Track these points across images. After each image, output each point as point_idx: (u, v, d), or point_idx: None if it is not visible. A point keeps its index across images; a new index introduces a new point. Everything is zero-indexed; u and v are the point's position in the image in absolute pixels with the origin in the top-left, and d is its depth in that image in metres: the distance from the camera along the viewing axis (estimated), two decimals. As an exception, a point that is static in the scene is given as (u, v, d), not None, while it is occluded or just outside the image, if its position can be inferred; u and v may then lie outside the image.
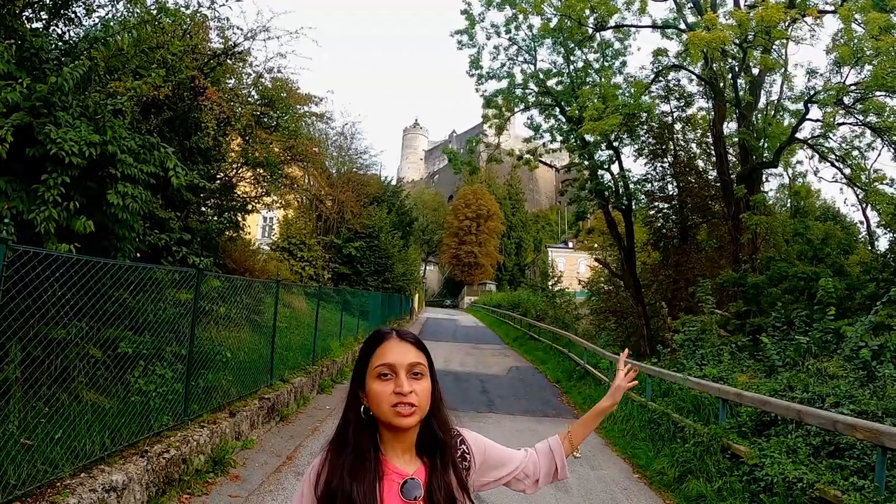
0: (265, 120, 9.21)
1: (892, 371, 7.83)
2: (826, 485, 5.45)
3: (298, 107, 9.96)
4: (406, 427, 1.47)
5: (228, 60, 8.24)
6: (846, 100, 15.95)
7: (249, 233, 12.83)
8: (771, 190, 23.42)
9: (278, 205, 12.27)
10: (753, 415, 7.22)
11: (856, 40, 15.31)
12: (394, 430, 1.49)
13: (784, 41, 16.67)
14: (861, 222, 22.37)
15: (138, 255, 6.37)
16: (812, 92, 17.22)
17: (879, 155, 18.60)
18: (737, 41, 16.27)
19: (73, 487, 3.77)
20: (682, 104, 21.65)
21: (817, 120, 17.26)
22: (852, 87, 15.77)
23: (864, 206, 20.58)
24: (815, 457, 6.08)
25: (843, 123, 16.84)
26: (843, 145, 17.87)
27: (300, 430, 7.90)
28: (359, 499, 1.40)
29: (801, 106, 17.72)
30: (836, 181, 19.63)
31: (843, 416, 5.75)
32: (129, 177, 5.24)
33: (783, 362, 9.03)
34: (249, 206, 9.83)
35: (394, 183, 33.41)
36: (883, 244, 18.60)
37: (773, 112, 18.89)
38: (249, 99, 9.29)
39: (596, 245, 32.62)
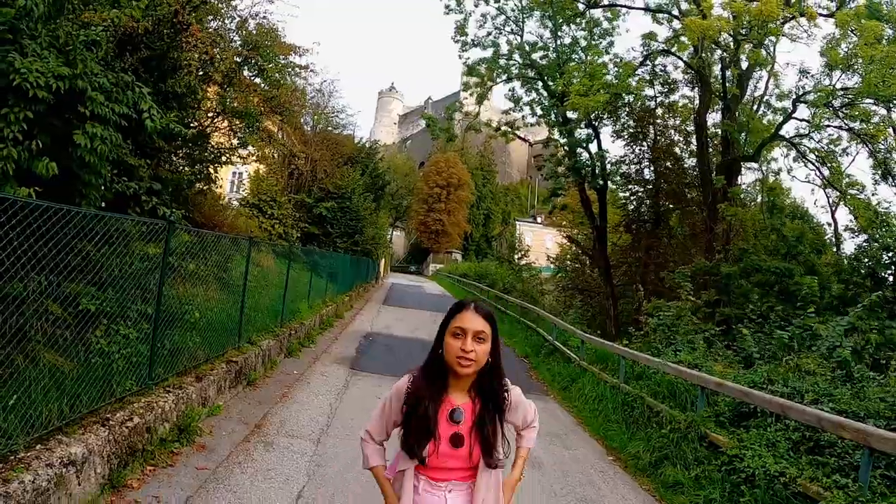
0: (247, 65, 8.60)
1: (867, 372, 7.92)
2: (808, 481, 5.42)
3: (282, 57, 9.35)
4: (463, 374, 2.14)
5: (213, -1, 7.62)
6: (835, 103, 16.04)
7: (220, 186, 12.23)
8: (744, 184, 23.64)
9: (254, 158, 11.63)
10: (731, 405, 7.19)
11: (845, 46, 15.40)
12: (455, 374, 2.15)
13: (774, 39, 16.65)
14: (829, 224, 22.89)
15: (104, 203, 5.88)
16: (801, 91, 17.29)
17: (853, 161, 19.02)
18: (731, 32, 16.15)
19: (27, 462, 3.38)
20: (665, 90, 21.56)
21: (803, 119, 17.43)
22: (840, 92, 15.87)
23: (833, 208, 21.14)
24: (795, 452, 6.06)
25: (828, 126, 17.00)
26: (825, 147, 18.07)
27: (268, 396, 7.56)
28: (429, 413, 2.13)
29: (787, 104, 17.88)
30: (808, 182, 19.99)
31: (829, 414, 5.71)
32: (98, 116, 4.74)
33: (761, 355, 9.06)
34: (224, 158, 9.26)
35: (368, 145, 32.59)
36: (848, 247, 19.06)
37: (757, 107, 18.94)
38: (232, 45, 8.65)
39: (565, 223, 32.69)
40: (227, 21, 8.61)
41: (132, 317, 5.36)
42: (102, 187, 5.48)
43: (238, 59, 8.40)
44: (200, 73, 6.53)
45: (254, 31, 8.59)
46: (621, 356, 9.73)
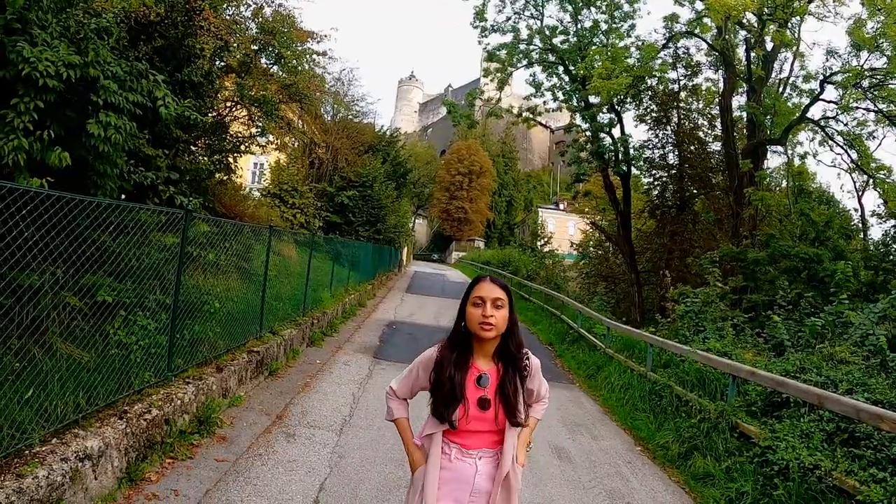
0: (264, 52, 8.47)
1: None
2: (843, 474, 5.22)
3: (299, 44, 9.18)
4: (487, 338, 2.30)
5: (227, -16, 7.48)
6: (864, 83, 15.55)
7: (241, 176, 12.18)
8: (768, 168, 23.15)
9: (274, 146, 11.52)
10: (763, 394, 6.96)
11: (872, 25, 14.92)
12: (479, 341, 2.33)
13: (799, 19, 16.17)
14: (855, 209, 22.34)
15: (122, 195, 5.83)
16: (829, 72, 16.78)
17: (880, 144, 18.48)
18: (755, 12, 15.70)
19: (42, 456, 3.32)
20: (688, 73, 21.09)
21: (830, 101, 16.97)
22: (868, 72, 15.39)
23: (860, 193, 20.71)
24: (829, 443, 5.85)
25: (857, 108, 16.51)
26: (852, 130, 17.58)
27: (290, 386, 7.52)
28: (457, 381, 2.28)
29: (814, 85, 17.44)
30: (834, 166, 19.70)
31: (867, 405, 5.47)
32: (112, 105, 4.66)
33: (792, 343, 8.77)
34: (243, 147, 9.18)
35: (389, 133, 32.45)
36: (875, 233, 18.57)
37: (782, 89, 18.49)
38: (248, 32, 8.52)
39: (587, 209, 32.31)
40: (242, 8, 8.49)
41: (151, 307, 5.31)
42: (119, 177, 5.42)
43: (255, 47, 8.29)
44: (215, 60, 6.39)
45: (270, 18, 8.46)
46: (649, 344, 9.52)
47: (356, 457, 5.43)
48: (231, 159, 9.61)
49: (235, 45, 6.77)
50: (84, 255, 4.14)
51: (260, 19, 8.34)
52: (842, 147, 17.66)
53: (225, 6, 7.43)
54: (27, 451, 3.36)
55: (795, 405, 6.48)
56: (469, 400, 2.30)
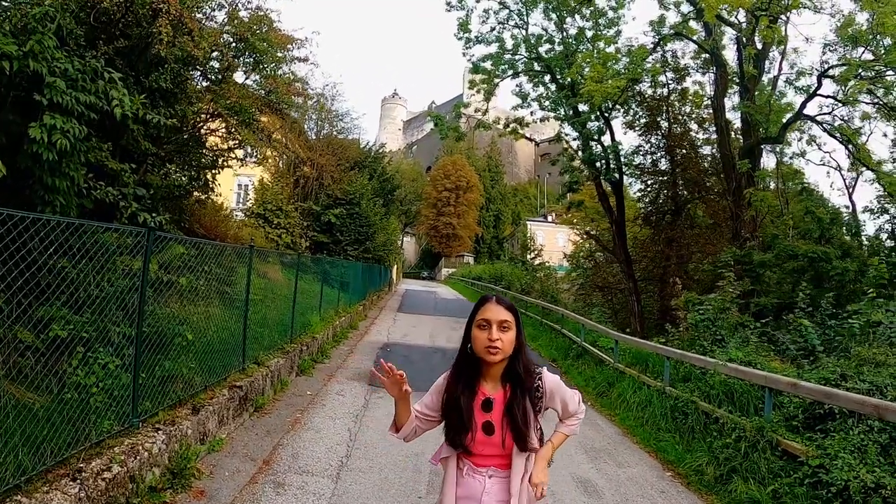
0: (241, 56, 7.82)
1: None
2: (910, 492, 4.59)
3: (279, 50, 8.51)
4: (493, 362, 2.26)
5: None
6: (862, 73, 15.29)
7: (220, 195, 11.45)
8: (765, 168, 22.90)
9: (254, 161, 10.81)
10: (801, 406, 6.32)
11: (865, 16, 14.75)
12: (486, 364, 2.28)
13: (785, 17, 15.97)
14: (846, 206, 22.24)
15: (77, 212, 5.11)
16: (825, 66, 16.50)
17: (867, 140, 18.29)
18: (749, 8, 15.42)
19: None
20: (677, 77, 20.78)
21: (828, 96, 16.71)
22: (867, 64, 15.15)
23: (850, 190, 20.56)
24: (885, 457, 5.24)
25: (854, 101, 16.27)
26: (846, 125, 17.42)
27: (278, 424, 6.74)
28: (464, 406, 2.26)
29: (810, 81, 17.19)
30: (823, 164, 19.75)
31: (938, 415, 4.85)
32: (59, 106, 3.98)
33: (825, 348, 8.17)
34: (221, 161, 8.46)
35: (374, 149, 31.82)
36: (868, 229, 18.44)
37: (772, 88, 18.32)
38: (222, 39, 7.86)
39: (575, 220, 31.80)
40: (217, 11, 7.81)
41: (114, 342, 4.57)
42: (75, 193, 4.71)
43: (231, 54, 7.63)
44: (175, 47, 5.68)
45: (246, 19, 7.79)
46: (665, 356, 8.86)
47: (355, 509, 4.66)
48: (209, 176, 8.90)
49: (200, 34, 6.03)
50: (26, 281, 3.45)
51: (235, 21, 7.68)
52: (840, 142, 17.40)
53: (194, 4, 6.75)
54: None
55: (841, 416, 5.85)
56: (476, 424, 2.26)
